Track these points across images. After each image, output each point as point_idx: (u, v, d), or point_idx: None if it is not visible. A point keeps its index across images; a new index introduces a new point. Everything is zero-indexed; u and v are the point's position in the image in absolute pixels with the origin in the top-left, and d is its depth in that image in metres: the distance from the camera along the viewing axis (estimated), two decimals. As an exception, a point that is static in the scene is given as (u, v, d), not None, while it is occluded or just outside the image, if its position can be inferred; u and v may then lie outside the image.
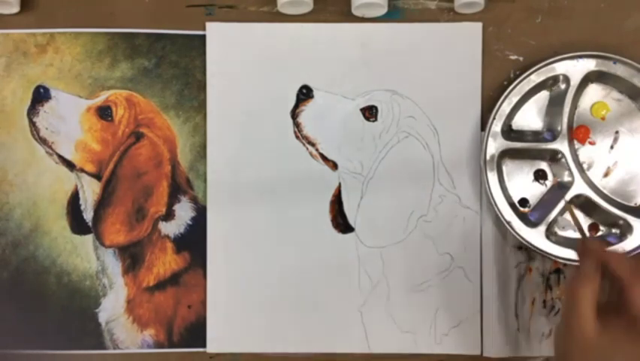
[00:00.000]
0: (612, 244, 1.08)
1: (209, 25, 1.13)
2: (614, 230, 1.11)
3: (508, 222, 1.09)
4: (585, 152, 1.11)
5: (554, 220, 1.09)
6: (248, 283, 1.13)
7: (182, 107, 1.14)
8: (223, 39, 1.13)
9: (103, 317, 1.13)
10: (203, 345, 1.13)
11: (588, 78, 1.10)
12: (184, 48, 1.14)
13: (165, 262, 1.13)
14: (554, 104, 1.11)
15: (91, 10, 1.14)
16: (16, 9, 1.13)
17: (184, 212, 1.14)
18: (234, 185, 1.13)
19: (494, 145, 1.09)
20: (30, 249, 1.13)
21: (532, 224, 1.09)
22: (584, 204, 1.10)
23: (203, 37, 1.14)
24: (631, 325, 0.86)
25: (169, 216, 1.14)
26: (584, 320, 0.87)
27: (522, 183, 1.12)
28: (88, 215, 1.13)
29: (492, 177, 1.10)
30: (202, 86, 1.14)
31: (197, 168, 1.14)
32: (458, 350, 1.12)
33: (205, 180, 1.13)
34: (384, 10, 1.12)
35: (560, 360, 0.92)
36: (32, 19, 1.14)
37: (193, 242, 1.14)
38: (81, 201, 1.13)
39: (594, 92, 1.12)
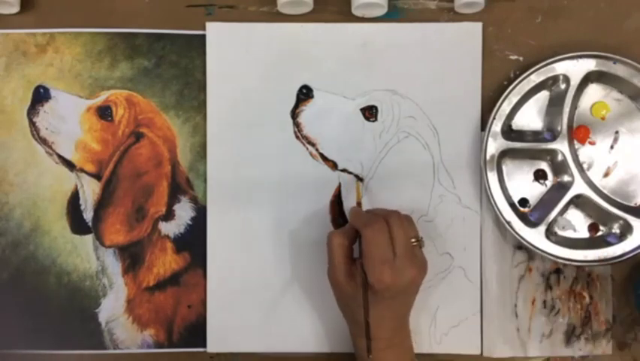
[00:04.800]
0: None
1: (209, 25, 1.13)
2: (614, 230, 1.11)
3: (508, 222, 1.09)
4: (585, 152, 1.12)
5: (554, 220, 1.09)
6: (248, 283, 1.13)
7: (182, 107, 1.14)
8: (223, 39, 1.13)
9: (103, 316, 1.13)
10: (203, 345, 1.13)
11: (588, 78, 1.10)
12: (184, 48, 1.14)
13: (165, 262, 1.14)
14: (554, 104, 1.11)
15: (91, 11, 1.14)
16: (16, 9, 1.13)
17: (184, 212, 1.14)
18: (234, 185, 1.13)
19: (494, 145, 1.09)
20: (30, 249, 1.13)
21: (532, 224, 1.09)
22: (584, 204, 1.10)
23: (203, 37, 1.13)
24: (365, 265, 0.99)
25: (169, 216, 1.14)
26: (336, 270, 1.02)
27: (522, 183, 1.12)
28: (88, 215, 1.13)
29: (492, 177, 1.10)
30: (202, 86, 1.14)
31: (197, 168, 1.14)
32: (458, 350, 1.13)
33: (205, 180, 1.13)
34: (384, 10, 1.12)
35: (337, 302, 1.06)
36: (32, 19, 1.14)
37: (193, 242, 1.14)
38: (81, 201, 1.13)
39: (594, 92, 1.12)
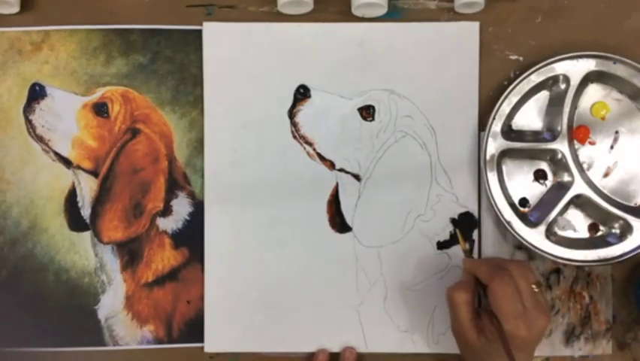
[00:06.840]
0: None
1: (205, 24, 1.13)
2: (614, 230, 1.10)
3: (508, 222, 1.08)
4: (585, 152, 1.11)
5: (554, 220, 1.09)
6: (245, 283, 1.13)
7: (178, 103, 1.14)
8: (219, 39, 1.13)
9: (102, 313, 1.14)
10: (203, 340, 1.13)
11: (588, 78, 1.10)
12: (179, 43, 1.13)
13: (164, 257, 1.13)
14: (554, 104, 1.10)
15: (90, 12, 1.14)
16: (16, 9, 1.12)
17: (182, 207, 1.14)
18: (232, 183, 1.13)
19: (494, 145, 1.09)
20: (28, 246, 1.13)
21: (532, 224, 1.09)
22: (584, 204, 1.10)
23: (198, 32, 1.13)
24: (495, 319, 0.96)
25: (166, 211, 1.13)
26: (464, 327, 0.99)
27: (522, 183, 1.12)
28: (85, 212, 1.13)
29: (492, 177, 1.09)
30: (197, 82, 1.13)
31: (194, 164, 1.13)
32: (456, 350, 1.11)
33: (202, 176, 1.13)
34: (384, 10, 1.11)
35: (461, 353, 1.04)
36: (32, 19, 1.14)
37: (191, 237, 1.14)
38: (78, 198, 1.13)
39: (594, 92, 1.11)
